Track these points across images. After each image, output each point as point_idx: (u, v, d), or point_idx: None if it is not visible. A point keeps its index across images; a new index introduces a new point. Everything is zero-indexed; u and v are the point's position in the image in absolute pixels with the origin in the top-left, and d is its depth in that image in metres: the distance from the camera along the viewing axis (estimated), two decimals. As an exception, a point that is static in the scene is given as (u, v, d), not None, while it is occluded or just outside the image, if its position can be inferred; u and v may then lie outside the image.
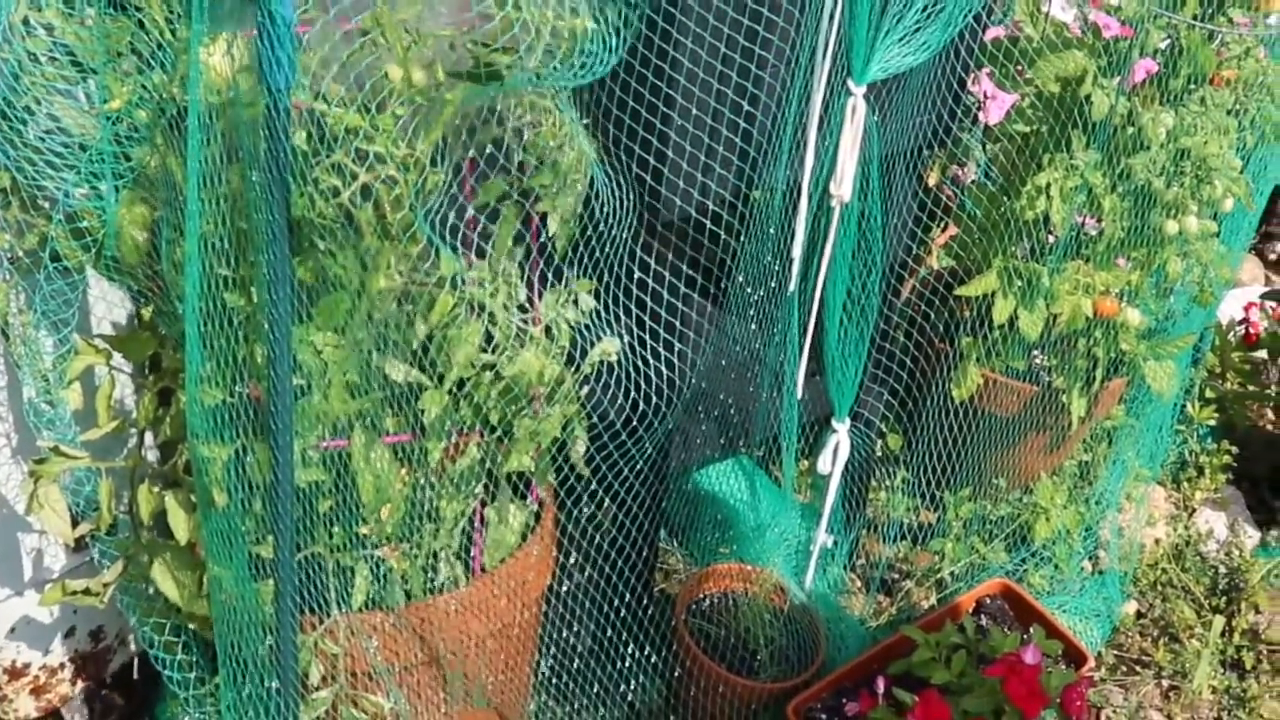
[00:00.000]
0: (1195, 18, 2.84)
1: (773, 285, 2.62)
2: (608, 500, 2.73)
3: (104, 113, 2.16)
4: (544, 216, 2.35)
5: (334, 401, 2.31)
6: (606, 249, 2.44)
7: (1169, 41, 2.88)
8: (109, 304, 2.60)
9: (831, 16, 2.30)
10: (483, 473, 2.51)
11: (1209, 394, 3.95)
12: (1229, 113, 2.95)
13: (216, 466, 2.30)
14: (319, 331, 2.24)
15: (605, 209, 2.40)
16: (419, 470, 2.45)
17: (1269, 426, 4.02)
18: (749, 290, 2.65)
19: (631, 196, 2.45)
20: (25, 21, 2.06)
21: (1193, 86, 2.92)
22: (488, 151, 2.26)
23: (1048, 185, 2.87)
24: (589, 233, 2.41)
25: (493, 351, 2.37)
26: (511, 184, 2.30)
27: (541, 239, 2.39)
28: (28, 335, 2.42)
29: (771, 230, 2.54)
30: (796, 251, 2.53)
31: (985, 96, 3.00)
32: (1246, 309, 4.10)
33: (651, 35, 2.32)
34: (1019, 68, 2.95)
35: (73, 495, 2.57)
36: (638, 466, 2.66)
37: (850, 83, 2.36)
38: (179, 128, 2.16)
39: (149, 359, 2.55)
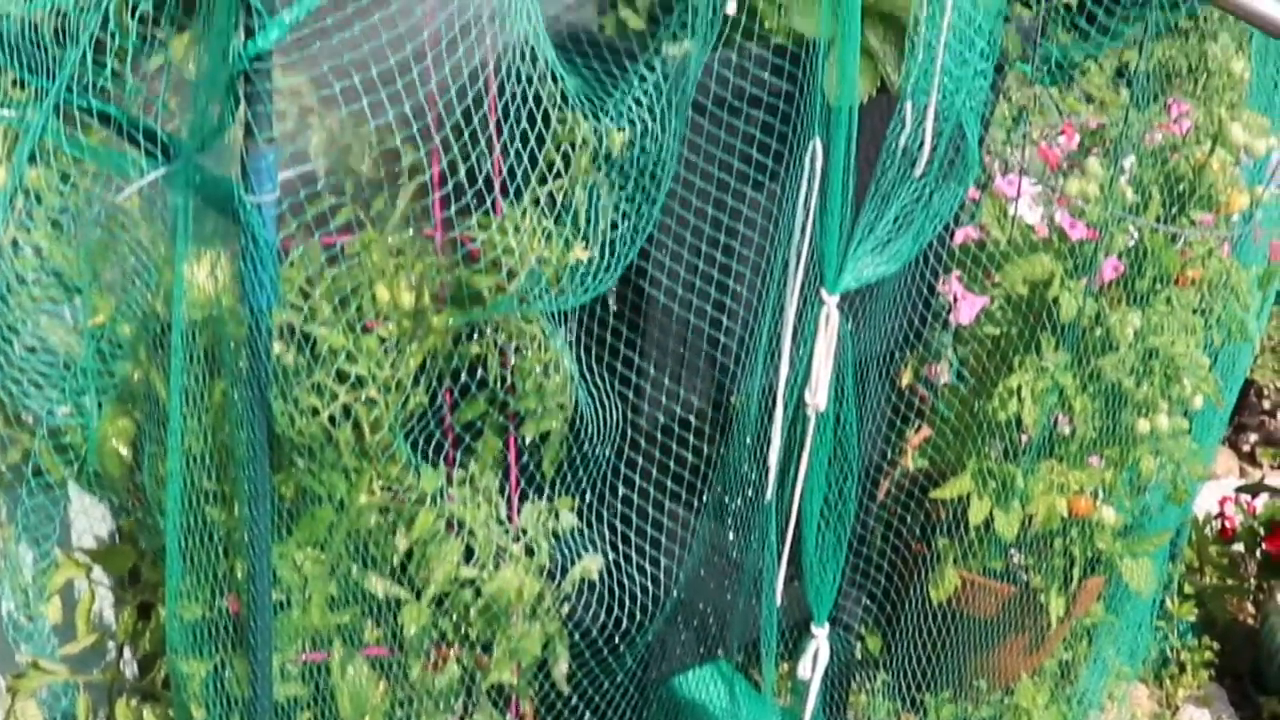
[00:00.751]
0: (1158, 219, 2.90)
1: (750, 493, 2.64)
2: (589, 714, 2.71)
3: (88, 329, 2.19)
4: (525, 438, 2.38)
5: (313, 615, 2.31)
6: (589, 466, 2.46)
7: (1134, 243, 2.94)
8: (90, 517, 2.60)
9: (804, 229, 2.35)
10: (463, 688, 2.50)
11: (1188, 589, 3.95)
12: (1195, 312, 3.00)
13: (195, 682, 2.29)
14: (299, 547, 2.25)
15: (589, 429, 2.43)
16: (398, 685, 2.44)
17: (1249, 620, 4.01)
18: (727, 499, 2.66)
19: (612, 412, 2.48)
20: (14, 243, 2.10)
21: (1159, 287, 2.97)
22: (470, 369, 2.30)
23: (1019, 388, 2.91)
24: (572, 452, 2.44)
25: (473, 567, 2.38)
26: (493, 402, 2.33)
27: (523, 458, 2.42)
28: (8, 549, 2.42)
29: (748, 439, 2.57)
30: (773, 459, 2.55)
31: (955, 298, 3.05)
32: (1221, 503, 4.12)
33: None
34: (987, 271, 3.00)
35: (50, 710, 2.56)
36: (618, 679, 2.65)
37: (823, 292, 2.40)
38: (162, 343, 2.19)
39: (129, 572, 2.55)
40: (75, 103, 1.97)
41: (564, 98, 2.15)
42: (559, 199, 2.16)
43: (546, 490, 2.50)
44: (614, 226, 2.23)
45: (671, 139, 2.25)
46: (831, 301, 2.42)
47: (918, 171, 2.34)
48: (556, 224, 2.15)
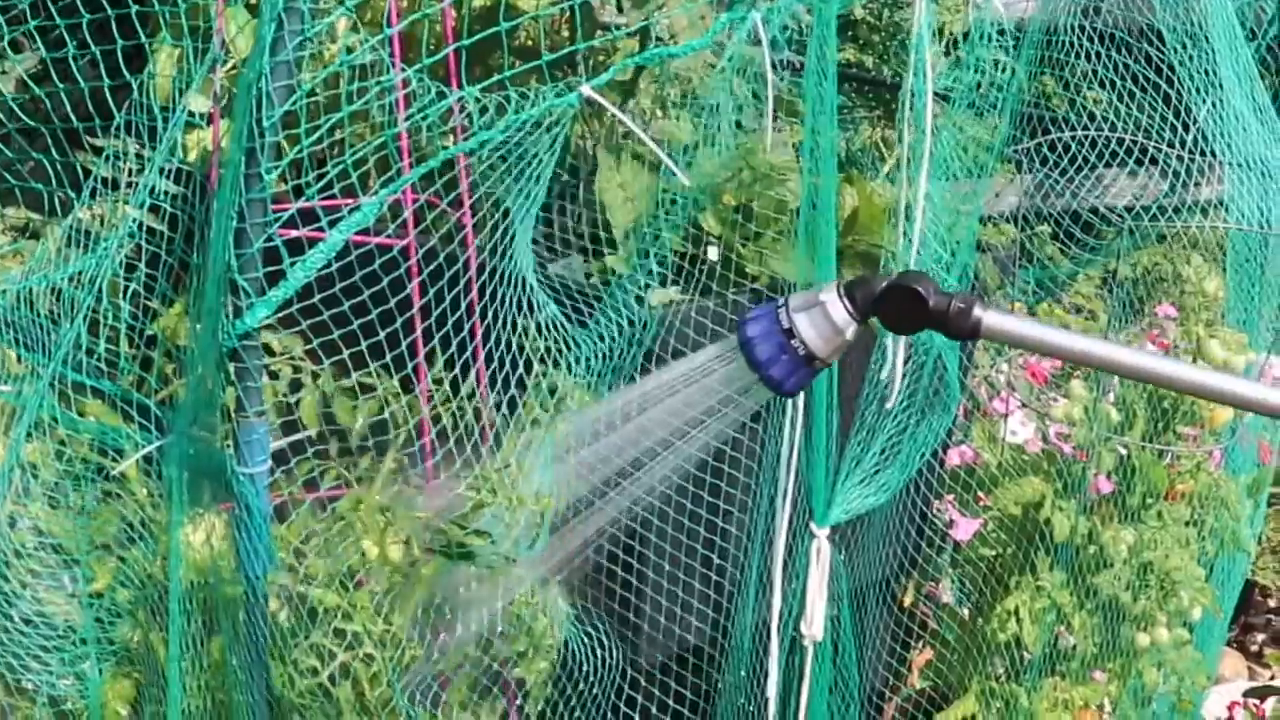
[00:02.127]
0: (1144, 437, 2.93)
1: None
2: None
3: (86, 597, 2.21)
4: (519, 681, 2.39)
5: None
6: (586, 705, 2.47)
7: (1122, 461, 2.97)
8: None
9: (788, 465, 2.38)
10: None
11: (1203, 795, 3.92)
12: (1187, 524, 3.02)
13: None
14: (304, 804, 2.25)
15: (584, 668, 2.44)
16: None
17: (1266, 826, 3.97)
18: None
19: (607, 650, 2.49)
20: (11, 518, 2.14)
21: (1149, 502, 3.00)
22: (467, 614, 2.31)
23: (1016, 609, 2.92)
24: (567, 692, 2.45)
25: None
26: (482, 647, 2.34)
27: (519, 702, 2.42)
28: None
29: (744, 673, 2.58)
30: (771, 692, 2.56)
31: (951, 519, 3.07)
32: (1230, 708, 4.09)
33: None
34: (979, 495, 3.03)
35: None
36: None
37: (813, 525, 2.43)
38: (160, 606, 2.21)
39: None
40: (71, 378, 2.02)
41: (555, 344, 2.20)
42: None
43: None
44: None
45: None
46: (822, 534, 2.44)
47: (889, 404, 2.38)
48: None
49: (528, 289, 2.18)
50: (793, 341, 1.57)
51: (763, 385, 1.60)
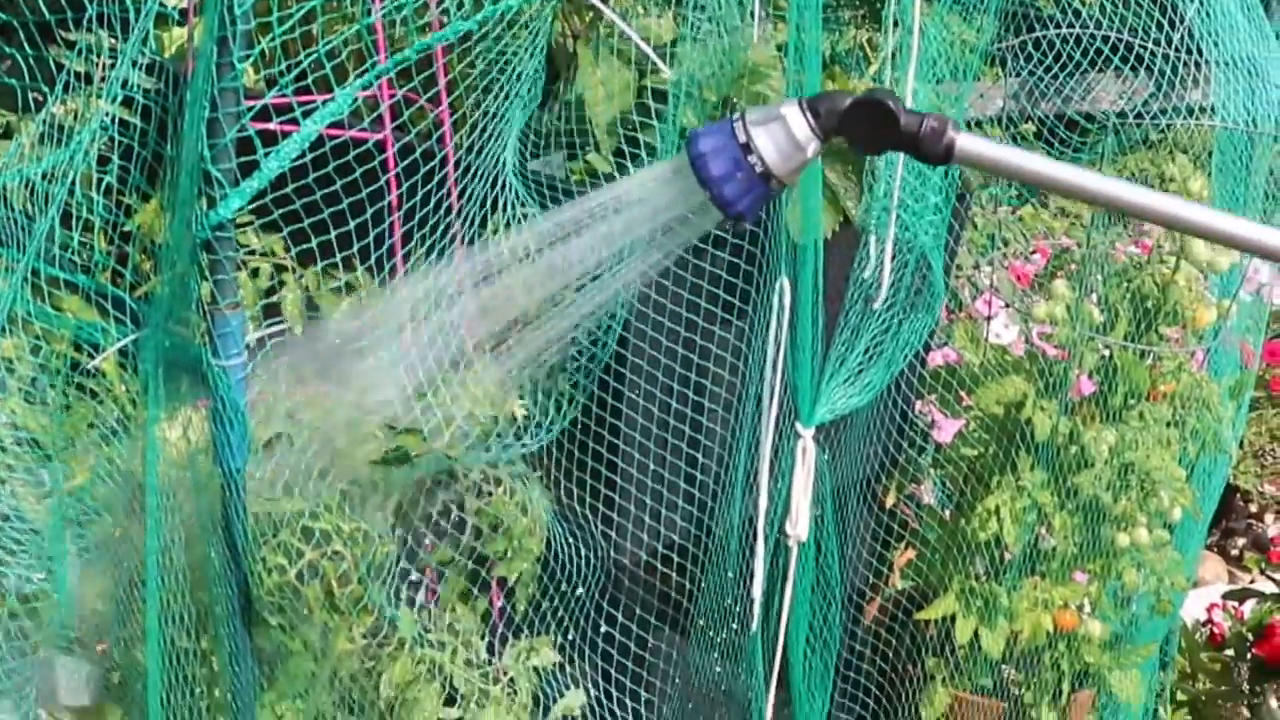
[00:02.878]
0: (1127, 337, 2.92)
1: (734, 626, 2.65)
2: None
3: (62, 493, 2.20)
4: (501, 580, 2.39)
5: (299, 767, 2.31)
6: (570, 603, 2.47)
7: (1104, 361, 2.97)
8: (74, 677, 2.60)
9: (775, 365, 2.37)
10: (452, 830, 2.50)
11: (1181, 696, 3.95)
12: (1169, 425, 3.03)
13: (184, 839, 2.29)
14: (280, 699, 2.25)
15: (566, 568, 2.44)
16: (387, 831, 2.44)
17: (1244, 726, 4.01)
18: (711, 632, 2.67)
19: (591, 549, 2.49)
20: (-13, 414, 2.12)
21: (1131, 402, 3.00)
22: (439, 516, 2.31)
23: (997, 508, 2.92)
24: (550, 591, 2.45)
25: (456, 709, 2.38)
26: (460, 548, 2.34)
27: (501, 601, 2.43)
28: (-11, 714, 2.42)
29: (730, 572, 2.58)
30: (757, 592, 2.56)
31: (934, 420, 3.07)
32: (1210, 610, 4.12)
33: (601, 393, 2.39)
34: (961, 394, 3.03)
35: None
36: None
37: (799, 426, 2.42)
38: (138, 503, 2.20)
39: (114, 731, 2.55)
40: (45, 272, 2.00)
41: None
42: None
43: (526, 629, 2.51)
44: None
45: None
46: (807, 435, 2.44)
47: (876, 304, 2.37)
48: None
49: (504, 188, 2.16)
50: (749, 157, 1.46)
51: (713, 205, 1.49)
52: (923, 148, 1.44)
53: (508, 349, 1.95)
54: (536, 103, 2.29)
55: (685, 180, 1.49)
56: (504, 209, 2.16)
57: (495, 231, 2.14)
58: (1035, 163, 1.50)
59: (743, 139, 1.45)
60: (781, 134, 1.45)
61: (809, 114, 1.46)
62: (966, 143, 1.44)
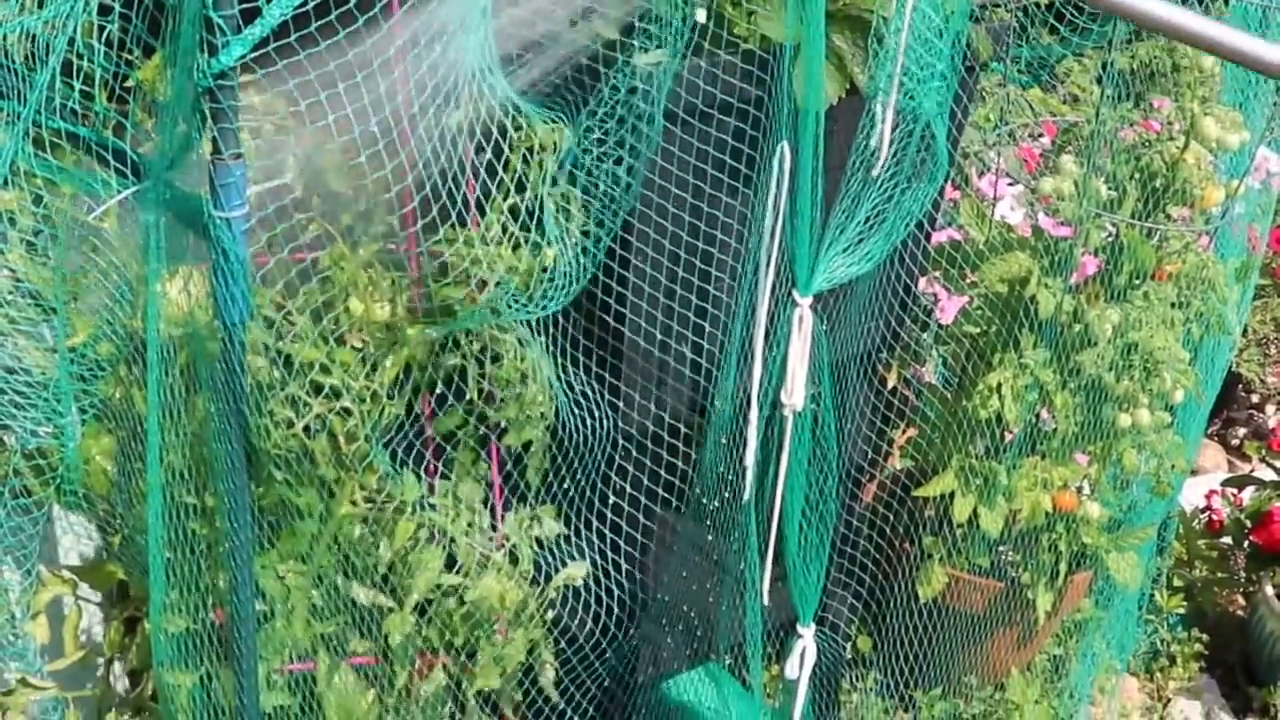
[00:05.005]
0: (1134, 215, 2.91)
1: (728, 495, 2.65)
2: (577, 719, 2.73)
3: (65, 349, 2.21)
4: (509, 447, 2.40)
5: (298, 626, 2.33)
6: (573, 473, 2.48)
7: (1110, 239, 2.95)
8: (75, 535, 2.62)
9: (773, 232, 2.36)
10: (449, 695, 2.52)
11: (1177, 582, 3.97)
12: (1174, 306, 3.02)
13: (182, 694, 2.31)
14: (282, 559, 2.27)
15: (573, 437, 2.45)
16: (385, 693, 2.46)
17: (1239, 612, 4.03)
18: (705, 500, 2.68)
19: (596, 419, 2.50)
20: (-12, 265, 2.12)
21: (1136, 282, 2.99)
22: (447, 378, 2.31)
23: (999, 385, 2.92)
24: (555, 460, 2.46)
25: (456, 575, 2.40)
26: (471, 411, 2.34)
27: (506, 466, 2.44)
28: (-7, 570, 2.44)
29: (724, 440, 2.58)
30: (749, 460, 2.56)
31: (937, 297, 3.06)
32: (1208, 497, 4.13)
33: (607, 260, 2.39)
34: (964, 271, 3.02)
35: (40, 726, 2.58)
36: (605, 684, 2.67)
37: (795, 294, 2.41)
38: (140, 360, 2.21)
39: (115, 588, 2.57)
40: (46, 125, 1.99)
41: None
42: (524, 207, 2.18)
43: (530, 497, 2.52)
44: (582, 232, 2.25)
45: (641, 145, 2.26)
46: (804, 303, 2.43)
47: (875, 171, 2.36)
48: (522, 231, 2.16)
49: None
50: None
51: None
52: None
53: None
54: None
55: None
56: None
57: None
58: None
59: None
60: None
61: None
62: None
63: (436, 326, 2.18)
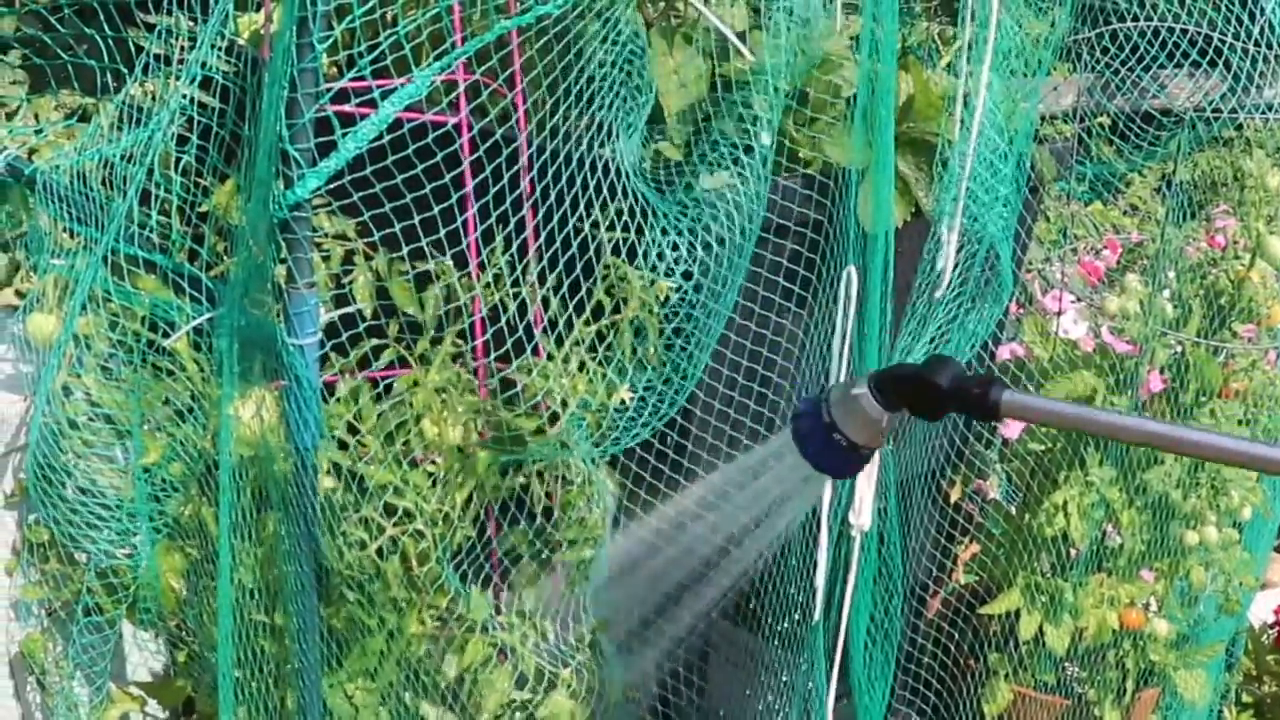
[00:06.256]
0: (1199, 333, 2.91)
1: (796, 616, 2.65)
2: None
3: (138, 469, 2.23)
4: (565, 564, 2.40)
5: (366, 744, 2.33)
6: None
7: (1176, 357, 2.95)
8: (144, 652, 2.64)
9: (840, 355, 2.37)
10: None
11: (1246, 698, 3.92)
12: (1240, 423, 3.01)
13: (251, 813, 2.32)
14: (351, 678, 2.27)
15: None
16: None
17: (1310, 728, 3.97)
18: (773, 622, 2.68)
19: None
20: (65, 388, 2.15)
21: (1202, 399, 2.98)
22: (513, 495, 2.32)
23: (1065, 503, 2.91)
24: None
25: (525, 692, 2.40)
26: (538, 534, 2.35)
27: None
28: (64, 686, 2.46)
29: (793, 561, 2.58)
30: (820, 581, 2.56)
31: (1002, 414, 3.06)
32: (1277, 611, 4.08)
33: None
34: (1030, 388, 3.01)
35: (111, 843, 2.58)
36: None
37: (864, 415, 2.42)
38: (211, 480, 2.23)
39: (183, 705, 2.58)
40: (123, 251, 2.03)
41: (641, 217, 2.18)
42: (602, 341, 2.19)
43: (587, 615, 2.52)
44: (660, 370, 2.26)
45: (729, 282, 2.28)
46: (872, 425, 2.43)
47: (939, 293, 2.37)
48: (599, 366, 2.18)
49: (616, 175, 2.16)
50: (835, 435, 1.66)
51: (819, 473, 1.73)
52: (974, 409, 1.61)
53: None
54: (650, 100, 2.29)
55: (793, 455, 1.72)
56: (610, 199, 2.15)
57: (610, 227, 2.15)
58: (1078, 410, 1.77)
59: (828, 419, 1.67)
60: (858, 413, 1.65)
61: (875, 392, 1.64)
62: (1011, 398, 1.59)
63: (505, 454, 2.20)
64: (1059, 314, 3.11)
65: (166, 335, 2.09)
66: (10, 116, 2.72)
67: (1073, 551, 3.07)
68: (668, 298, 2.20)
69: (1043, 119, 3.00)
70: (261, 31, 2.15)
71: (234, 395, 2.05)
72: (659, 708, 2.62)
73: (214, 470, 2.18)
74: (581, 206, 2.11)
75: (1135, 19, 3.05)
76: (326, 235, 2.10)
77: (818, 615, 2.62)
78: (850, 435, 1.65)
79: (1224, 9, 2.91)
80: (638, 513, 2.48)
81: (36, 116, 2.38)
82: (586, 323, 2.16)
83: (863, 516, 2.51)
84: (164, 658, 2.67)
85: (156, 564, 2.33)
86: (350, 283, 2.12)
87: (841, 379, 2.41)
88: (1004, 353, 3.11)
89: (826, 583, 2.60)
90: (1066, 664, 3.25)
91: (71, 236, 2.12)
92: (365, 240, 2.04)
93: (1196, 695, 3.23)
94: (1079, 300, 3.10)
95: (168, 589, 2.34)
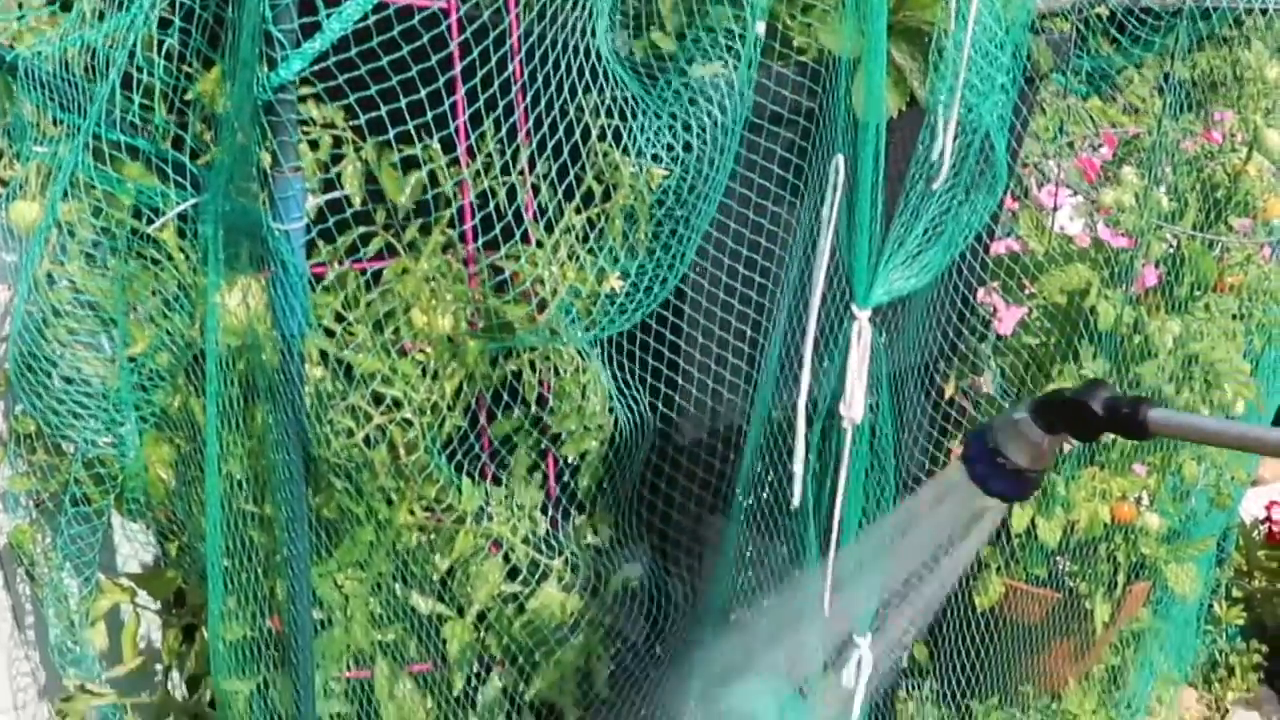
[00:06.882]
0: (1195, 226, 2.89)
1: (771, 497, 2.65)
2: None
3: (124, 359, 2.22)
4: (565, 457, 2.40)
5: (356, 634, 2.34)
6: (628, 480, 2.48)
7: (1171, 250, 2.93)
8: (133, 543, 2.64)
9: (825, 243, 2.35)
10: (506, 700, 2.52)
11: (1236, 593, 3.93)
12: (1235, 317, 2.99)
13: (240, 701, 2.32)
14: (340, 567, 2.27)
15: (627, 447, 2.44)
16: (443, 700, 2.47)
17: (1299, 623, 4.00)
18: (759, 510, 2.67)
19: (649, 426, 2.49)
20: (49, 276, 2.13)
21: (1197, 293, 2.96)
22: (508, 390, 2.31)
23: (1058, 396, 2.90)
24: (611, 469, 2.45)
25: (516, 584, 2.40)
26: (532, 423, 2.35)
27: (561, 475, 2.43)
28: (53, 577, 2.46)
29: (772, 447, 2.58)
30: (798, 467, 2.55)
31: (996, 309, 3.05)
32: (1269, 507, 4.09)
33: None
34: (1023, 282, 3.00)
35: (99, 734, 2.59)
36: (660, 690, 2.67)
37: (854, 307, 2.40)
38: (199, 370, 2.22)
39: (173, 596, 2.58)
40: (107, 137, 2.00)
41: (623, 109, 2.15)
42: (593, 228, 2.17)
43: (586, 505, 2.52)
44: (650, 257, 2.25)
45: (718, 168, 2.25)
46: (863, 316, 2.42)
47: (935, 184, 2.34)
48: (590, 254, 2.16)
49: (597, 61, 2.13)
50: (999, 460, 1.81)
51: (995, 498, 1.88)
52: (1126, 429, 1.74)
53: None
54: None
55: (967, 485, 1.87)
56: (599, 87, 2.13)
57: (595, 113, 2.12)
58: (1220, 425, 2.04)
59: (993, 445, 1.81)
60: (1020, 438, 1.80)
61: (1036, 417, 1.79)
62: (1159, 416, 1.72)
63: (495, 342, 2.18)
64: (1055, 209, 3.09)
65: (151, 222, 2.07)
66: (-7, 4, 2.69)
67: (1066, 446, 3.07)
68: (659, 184, 2.18)
69: (1042, 16, 2.97)
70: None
71: (220, 283, 2.04)
72: (656, 599, 2.63)
73: (201, 360, 2.17)
74: (566, 91, 2.08)
75: (1135, -93, 3.01)
76: (314, 123, 2.07)
77: (796, 501, 2.61)
78: (1014, 458, 1.79)
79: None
80: (630, 402, 2.47)
81: (20, 4, 2.34)
82: (577, 210, 2.14)
83: (854, 408, 2.49)
84: (154, 549, 2.66)
85: (144, 454, 2.32)
86: (339, 172, 2.10)
87: (824, 269, 2.39)
88: (999, 247, 3.09)
89: (817, 476, 2.59)
90: (1058, 557, 3.26)
91: (54, 124, 2.09)
92: (352, 125, 2.01)
93: (1187, 589, 3.24)
94: (1075, 193, 3.08)
95: (156, 479, 2.33)
